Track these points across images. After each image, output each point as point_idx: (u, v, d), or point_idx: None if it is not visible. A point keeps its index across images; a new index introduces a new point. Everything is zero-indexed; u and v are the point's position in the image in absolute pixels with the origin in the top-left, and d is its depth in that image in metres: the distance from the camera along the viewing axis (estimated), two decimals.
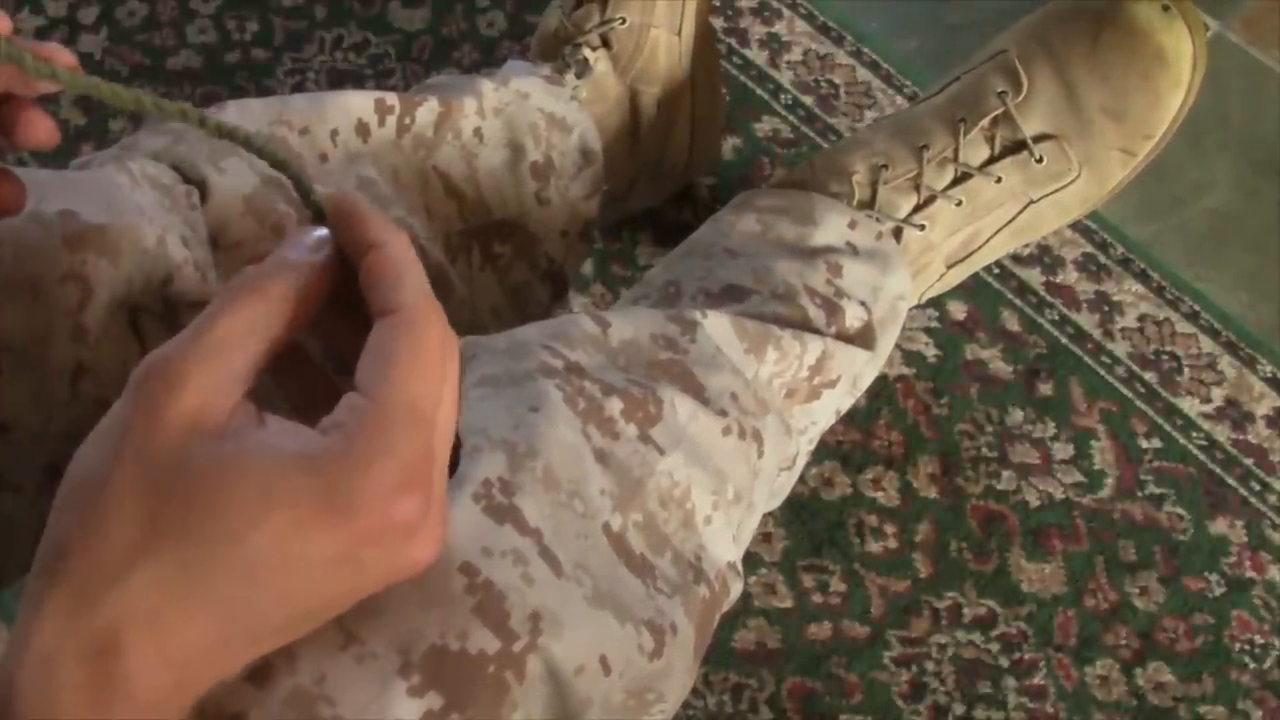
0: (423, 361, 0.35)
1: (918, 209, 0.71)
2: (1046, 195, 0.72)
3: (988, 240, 0.73)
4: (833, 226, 0.68)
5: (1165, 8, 0.70)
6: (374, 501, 0.33)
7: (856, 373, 0.66)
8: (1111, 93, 0.70)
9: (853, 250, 0.67)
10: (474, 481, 0.45)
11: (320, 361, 0.41)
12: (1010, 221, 0.73)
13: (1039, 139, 0.71)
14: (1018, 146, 0.71)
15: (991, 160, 0.71)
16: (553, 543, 0.45)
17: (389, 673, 0.39)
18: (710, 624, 0.53)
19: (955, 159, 0.71)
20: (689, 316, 0.59)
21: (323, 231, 0.37)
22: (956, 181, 0.71)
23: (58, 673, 0.31)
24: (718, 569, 0.53)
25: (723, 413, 0.56)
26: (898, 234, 0.70)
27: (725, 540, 0.55)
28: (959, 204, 0.71)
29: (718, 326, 0.59)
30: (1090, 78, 0.70)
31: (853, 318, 0.65)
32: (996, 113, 0.71)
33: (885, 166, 0.71)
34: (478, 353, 0.54)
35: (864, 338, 0.66)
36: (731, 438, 0.56)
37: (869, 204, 0.70)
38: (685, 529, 0.52)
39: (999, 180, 0.71)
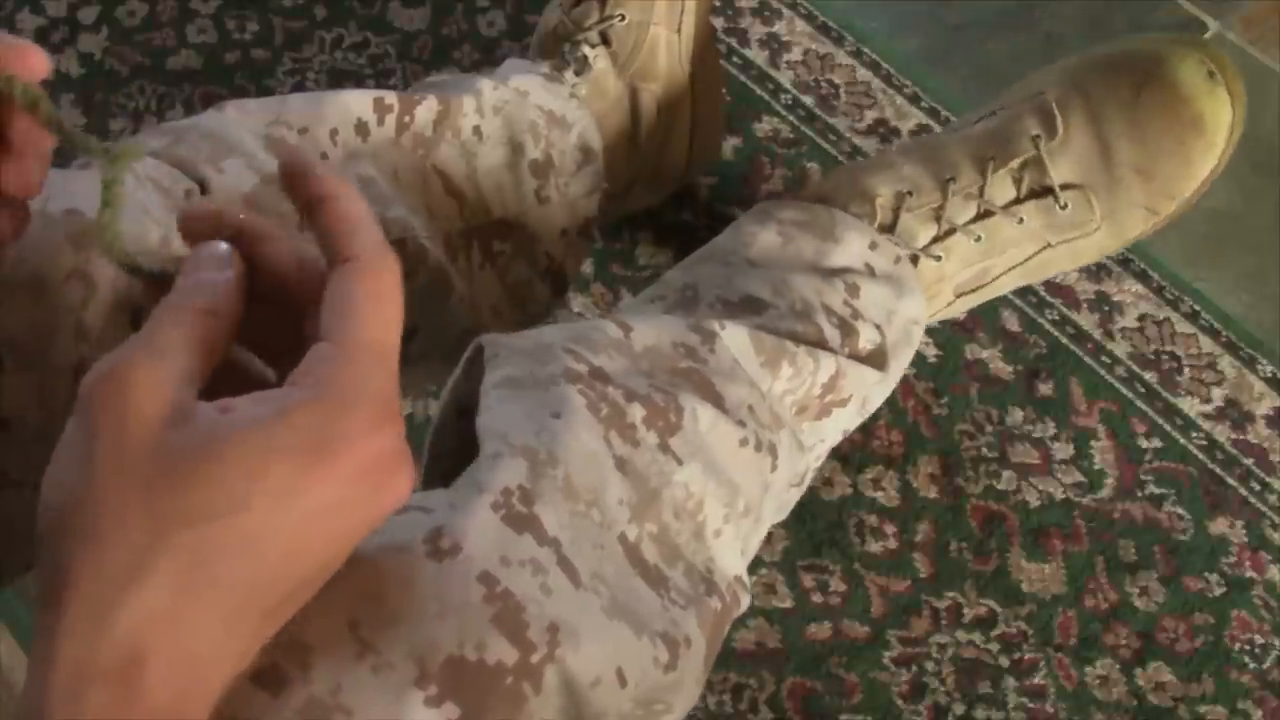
0: (382, 302, 0.37)
1: (936, 240, 0.70)
2: (1065, 241, 0.72)
3: (997, 277, 0.73)
4: (853, 246, 0.68)
5: (1211, 74, 0.69)
6: (359, 438, 0.34)
7: (866, 393, 0.66)
8: (1145, 152, 0.70)
9: (871, 272, 0.67)
10: (494, 490, 0.45)
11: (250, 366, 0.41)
12: (1024, 262, 0.72)
13: (1066, 187, 0.70)
14: (1044, 191, 0.70)
15: (1016, 201, 0.70)
16: (571, 552, 0.45)
17: (406, 683, 0.39)
18: (720, 636, 0.52)
19: (980, 195, 0.70)
20: (708, 327, 0.59)
21: (224, 247, 0.39)
22: (978, 218, 0.70)
23: (85, 696, 0.31)
24: (728, 581, 0.53)
25: (741, 424, 0.56)
26: (914, 260, 0.70)
27: (734, 553, 0.55)
28: (978, 239, 0.70)
29: (735, 338, 0.59)
30: (1126, 134, 0.70)
31: (866, 339, 0.65)
32: (1027, 156, 0.70)
33: (910, 194, 0.70)
34: (500, 352, 0.54)
35: (876, 359, 0.66)
36: (748, 449, 0.56)
37: (889, 228, 0.70)
38: (696, 541, 0.52)
39: (1021, 221, 0.70)
